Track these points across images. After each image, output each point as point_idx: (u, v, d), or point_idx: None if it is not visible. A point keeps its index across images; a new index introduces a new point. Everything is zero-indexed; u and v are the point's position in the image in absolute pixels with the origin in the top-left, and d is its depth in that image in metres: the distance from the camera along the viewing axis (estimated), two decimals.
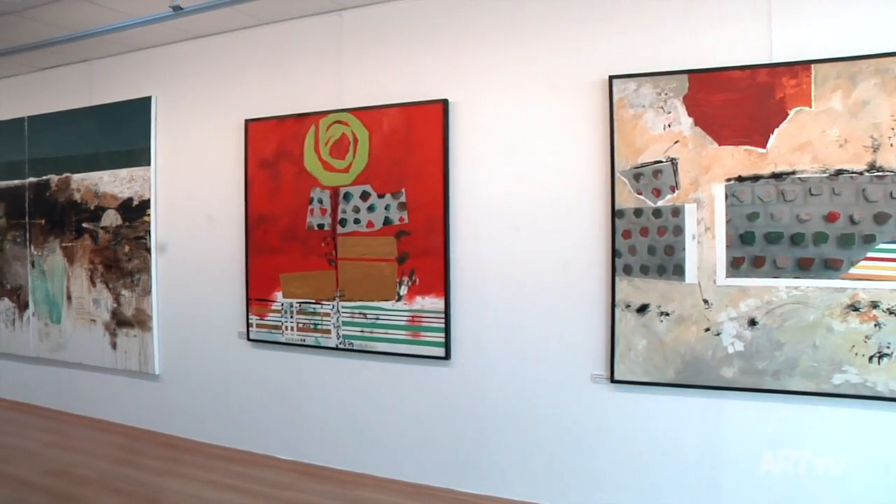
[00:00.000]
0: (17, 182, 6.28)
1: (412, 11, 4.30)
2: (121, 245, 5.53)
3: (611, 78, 3.64)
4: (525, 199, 3.95)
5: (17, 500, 4.22)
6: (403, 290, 4.23)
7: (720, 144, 3.40)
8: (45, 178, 6.06)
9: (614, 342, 3.67)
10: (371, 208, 4.32)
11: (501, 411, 4.05)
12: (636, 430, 3.70)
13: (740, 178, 3.36)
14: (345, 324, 4.45)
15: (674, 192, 3.51)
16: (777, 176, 3.29)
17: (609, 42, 3.73)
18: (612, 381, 3.69)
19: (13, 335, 6.40)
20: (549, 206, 3.89)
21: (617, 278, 3.65)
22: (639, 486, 3.69)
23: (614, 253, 3.65)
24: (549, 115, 3.89)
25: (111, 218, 5.59)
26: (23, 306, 6.30)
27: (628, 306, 3.63)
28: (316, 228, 4.52)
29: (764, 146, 3.31)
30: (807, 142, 3.23)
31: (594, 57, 3.76)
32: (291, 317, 4.67)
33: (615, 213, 3.64)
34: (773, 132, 3.30)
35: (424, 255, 4.15)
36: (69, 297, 5.92)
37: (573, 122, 3.82)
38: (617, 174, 3.63)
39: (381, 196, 4.29)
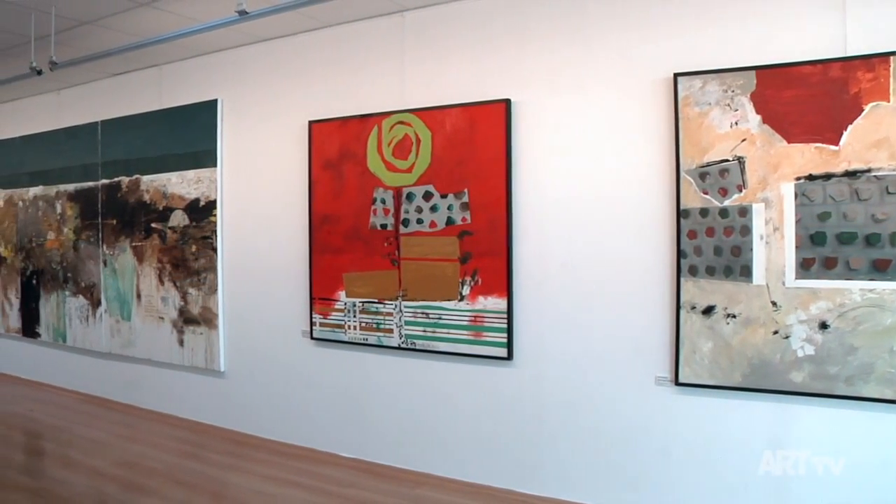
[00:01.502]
0: (90, 184, 6.49)
1: (474, 12, 4.29)
2: (188, 245, 5.66)
3: (675, 76, 3.58)
4: (588, 199, 3.91)
5: (92, 488, 4.39)
6: (466, 290, 4.23)
7: (789, 142, 3.31)
8: (116, 179, 6.25)
9: (679, 344, 3.61)
10: (434, 208, 4.33)
11: (564, 412, 4.02)
12: (701, 434, 3.62)
13: (811, 177, 3.27)
14: (407, 323, 4.47)
15: (741, 191, 3.43)
16: (851, 174, 3.18)
17: (673, 39, 3.66)
18: (677, 383, 3.62)
19: (87, 331, 6.62)
20: (612, 206, 3.84)
21: (682, 279, 3.59)
22: (704, 491, 3.62)
23: (679, 253, 3.59)
24: (613, 114, 3.84)
25: (179, 218, 5.73)
26: (96, 303, 6.51)
27: (693, 308, 3.56)
28: (379, 228, 4.56)
29: (836, 143, 3.21)
30: (884, 138, 3.12)
31: (658, 55, 3.70)
32: (354, 316, 4.71)
33: (680, 213, 3.58)
34: (846, 129, 3.19)
35: (487, 255, 4.14)
36: (139, 295, 6.09)
37: (637, 120, 3.77)
38: (682, 173, 3.57)
39: (443, 196, 4.29)
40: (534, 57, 4.08)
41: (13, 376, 7.65)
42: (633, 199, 3.78)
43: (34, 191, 7.15)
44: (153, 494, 4.25)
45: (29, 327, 7.30)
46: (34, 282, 7.20)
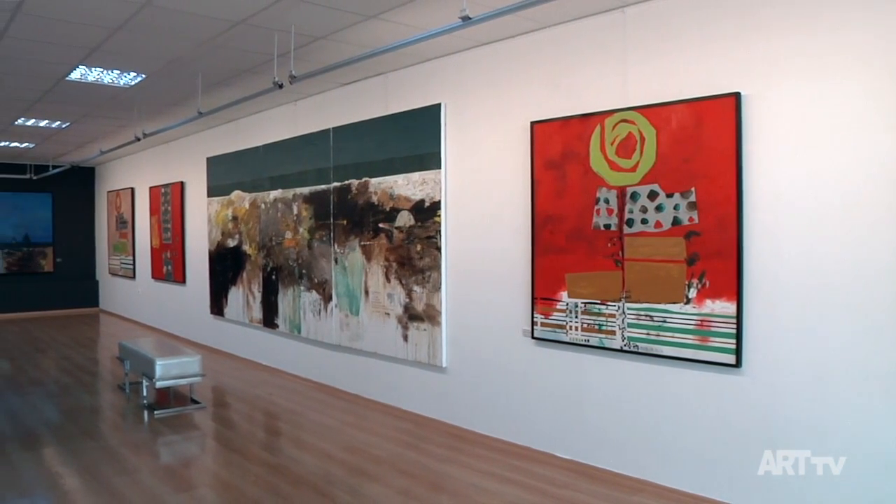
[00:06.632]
0: (323, 186, 6.98)
1: (698, 3, 4.10)
2: (413, 244, 5.91)
3: None
4: (829, 197, 3.57)
5: (321, 468, 4.79)
6: (692, 293, 4.06)
7: None
8: (346, 182, 6.67)
9: None
10: (659, 208, 4.20)
11: (796, 428, 3.72)
12: None
13: None
14: (630, 325, 4.37)
15: None
16: None
17: None
18: None
19: (319, 324, 7.13)
20: (857, 206, 3.48)
21: None
22: None
23: None
24: (856, 102, 3.48)
25: (404, 218, 6.00)
26: (327, 298, 6.99)
27: None
28: (602, 228, 4.49)
29: None
30: None
31: None
32: (576, 316, 4.68)
33: None
34: None
35: (715, 256, 3.95)
36: (366, 292, 6.45)
37: (885, 109, 3.38)
38: None
39: (669, 195, 4.15)
40: (764, 46, 3.81)
41: (256, 362, 8.46)
42: (883, 196, 3.40)
43: (274, 194, 7.82)
44: (376, 480, 4.52)
45: (269, 318, 8.00)
46: (273, 277, 7.88)
